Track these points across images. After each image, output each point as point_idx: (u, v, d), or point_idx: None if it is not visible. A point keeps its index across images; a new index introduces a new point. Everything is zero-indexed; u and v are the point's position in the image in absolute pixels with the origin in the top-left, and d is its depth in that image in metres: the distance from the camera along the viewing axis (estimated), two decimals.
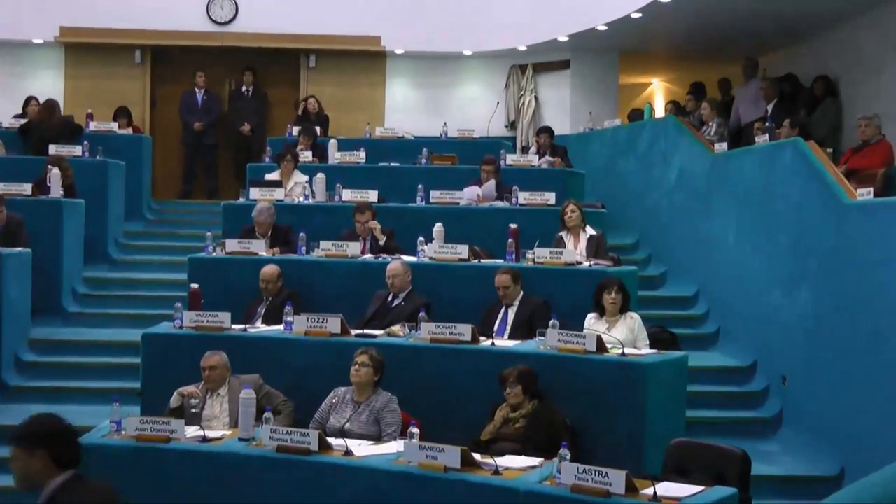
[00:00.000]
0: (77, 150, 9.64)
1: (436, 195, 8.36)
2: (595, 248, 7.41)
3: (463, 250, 7.09)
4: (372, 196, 8.34)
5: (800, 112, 9.47)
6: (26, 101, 11.19)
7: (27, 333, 7.83)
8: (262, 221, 7.85)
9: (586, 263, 7.00)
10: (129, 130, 11.37)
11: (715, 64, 12.17)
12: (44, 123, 10.32)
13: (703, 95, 11.03)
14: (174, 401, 5.59)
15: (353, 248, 7.33)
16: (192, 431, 5.03)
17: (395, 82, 13.22)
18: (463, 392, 5.77)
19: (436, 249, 7.16)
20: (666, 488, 4.10)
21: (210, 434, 5.02)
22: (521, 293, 6.66)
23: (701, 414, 6.89)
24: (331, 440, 4.86)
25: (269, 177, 9.11)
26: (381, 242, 7.60)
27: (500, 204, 8.36)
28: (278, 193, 8.45)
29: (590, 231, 7.56)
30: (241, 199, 8.60)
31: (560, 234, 7.58)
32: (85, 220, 8.96)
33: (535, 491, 4.23)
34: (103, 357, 7.82)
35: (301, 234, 7.48)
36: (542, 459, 4.61)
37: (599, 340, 5.53)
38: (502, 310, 6.64)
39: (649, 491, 4.02)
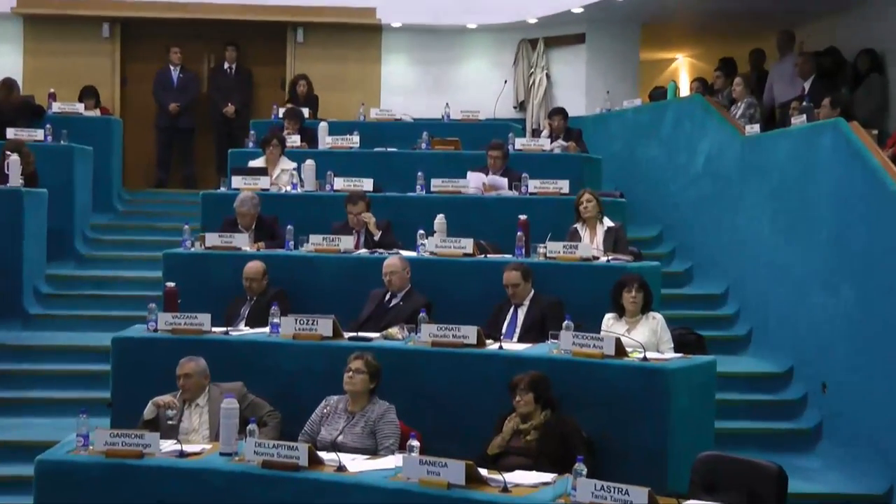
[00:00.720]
0: (39, 135, 9.65)
1: (437, 184, 8.36)
2: (613, 241, 7.41)
3: (467, 244, 7.09)
4: (366, 185, 8.35)
5: (841, 90, 9.46)
6: None
7: None
8: (246, 213, 7.86)
9: (604, 258, 7.00)
10: (97, 112, 11.39)
11: (746, 37, 12.15)
12: (1, 104, 10.32)
13: (733, 72, 11.02)
14: (148, 412, 5.59)
15: (345, 243, 7.33)
16: (169, 446, 5.03)
17: (392, 59, 13.22)
18: (468, 401, 5.76)
19: (437, 243, 7.16)
20: None
21: (188, 448, 5.02)
22: (532, 292, 6.66)
23: (731, 425, 6.90)
24: (322, 454, 4.86)
25: (253, 164, 9.12)
26: (376, 237, 7.60)
27: (508, 193, 8.37)
28: (263, 182, 8.46)
29: (607, 223, 7.56)
30: (222, 189, 8.61)
31: (575, 226, 7.58)
32: (48, 212, 8.97)
33: None
34: (69, 364, 7.83)
35: (288, 227, 7.49)
36: (555, 475, 4.61)
37: (618, 343, 5.52)
38: (511, 310, 6.64)
39: None
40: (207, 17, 12.64)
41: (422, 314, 6.17)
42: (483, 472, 4.53)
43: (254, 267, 7.08)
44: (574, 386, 5.50)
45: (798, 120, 8.13)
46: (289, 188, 8.62)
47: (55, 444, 5.12)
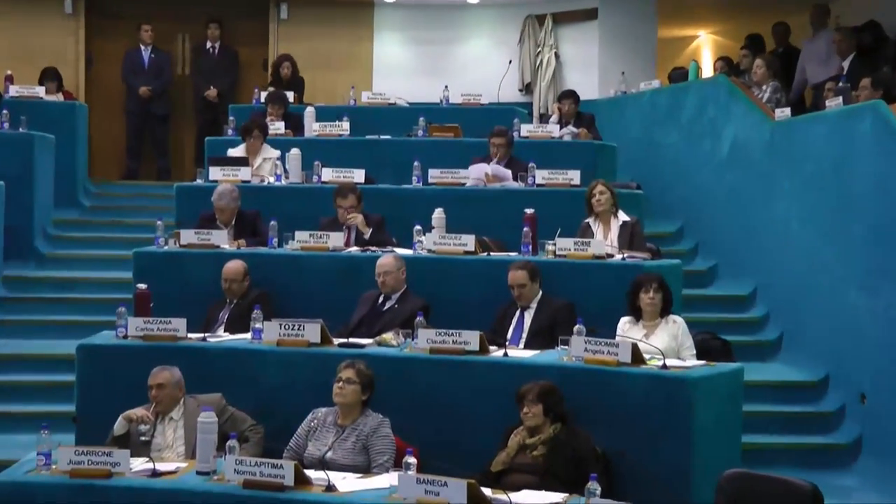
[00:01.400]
0: None
1: (435, 174, 8.36)
2: (629, 237, 7.41)
3: (469, 241, 7.10)
4: (357, 176, 8.35)
5: (883, 69, 9.44)
6: None
7: None
8: (225, 207, 7.86)
9: (618, 256, 7.00)
10: (60, 96, 11.38)
11: (775, 11, 12.14)
12: None
13: (761, 50, 11.00)
14: (119, 427, 5.60)
15: (335, 240, 7.33)
16: (140, 464, 5.03)
17: (385, 37, 13.22)
18: (470, 413, 5.78)
19: (436, 240, 7.17)
20: None
21: (162, 467, 5.02)
22: (540, 293, 6.67)
23: (760, 440, 6.90)
24: (309, 473, 4.86)
25: (233, 153, 9.12)
26: (366, 235, 7.60)
27: (513, 185, 8.37)
28: (244, 173, 8.47)
29: (623, 217, 7.56)
30: (199, 181, 8.61)
31: (587, 220, 7.58)
32: (5, 208, 8.96)
33: None
34: (28, 375, 7.83)
35: (272, 223, 7.49)
36: (566, 495, 4.62)
37: (635, 350, 5.53)
38: (517, 313, 6.65)
39: None
40: None
41: (419, 318, 6.18)
42: (486, 491, 4.53)
43: (234, 267, 7.09)
44: (586, 396, 5.51)
45: (833, 102, 8.13)
46: (272, 180, 8.62)
47: (13, 464, 5.11)
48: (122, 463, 4.89)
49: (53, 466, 4.94)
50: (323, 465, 5.28)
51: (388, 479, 4.85)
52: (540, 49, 12.96)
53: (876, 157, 7.27)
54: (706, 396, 5.43)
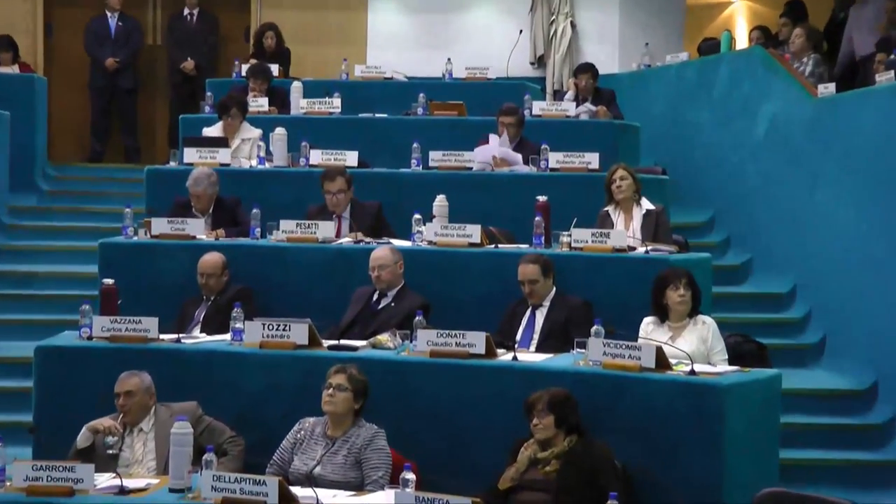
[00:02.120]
0: None
1: (437, 157, 8.36)
2: (653, 228, 7.41)
3: (474, 232, 7.10)
4: (350, 159, 8.35)
5: None
6: None
7: None
8: (201, 193, 7.86)
9: (642, 249, 7.00)
10: (15, 69, 11.37)
11: None
12: None
13: (802, 18, 10.98)
14: (82, 439, 5.60)
15: (324, 230, 7.33)
16: (106, 480, 5.02)
17: (380, 4, 13.20)
18: (474, 424, 5.78)
19: (437, 231, 7.17)
20: None
21: (130, 483, 5.02)
22: (554, 290, 6.67)
23: (800, 455, 6.89)
24: (295, 490, 4.87)
25: (209, 132, 9.12)
26: (355, 234, 7.59)
27: (523, 169, 8.37)
28: (222, 155, 8.46)
29: (646, 205, 7.56)
30: (172, 163, 8.60)
31: (606, 209, 7.58)
32: None
33: None
34: None
35: (254, 211, 7.49)
36: None
37: (660, 353, 5.53)
38: (528, 312, 6.65)
39: None
40: None
41: (418, 317, 6.18)
42: None
43: (211, 260, 7.09)
44: (605, 406, 5.51)
45: (885, 77, 8.11)
46: (254, 163, 8.61)
47: None
48: (86, 479, 4.88)
49: (8, 483, 4.92)
50: (311, 481, 5.29)
51: (383, 497, 4.86)
52: (554, 17, 12.94)
53: None
54: (739, 406, 5.43)
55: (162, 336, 6.25)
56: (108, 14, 12.26)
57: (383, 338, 6.18)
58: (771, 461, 5.73)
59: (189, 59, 12.16)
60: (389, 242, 7.21)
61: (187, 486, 4.90)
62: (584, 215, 7.31)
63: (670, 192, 8.77)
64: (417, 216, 7.29)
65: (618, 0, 12.65)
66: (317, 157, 8.42)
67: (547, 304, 6.63)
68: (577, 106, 9.96)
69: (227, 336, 6.27)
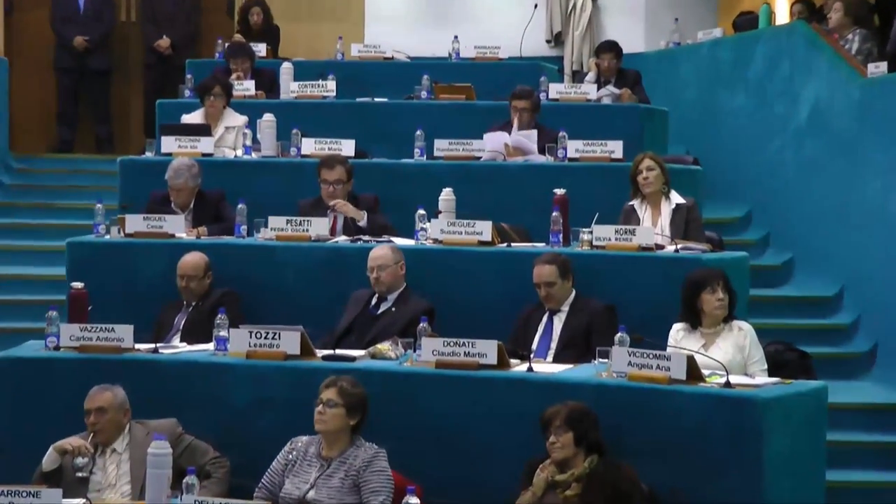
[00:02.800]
0: None
1: (443, 146, 8.37)
2: (684, 224, 7.40)
3: (484, 229, 7.10)
4: (346, 148, 8.35)
5: None
6: None
7: None
8: (182, 186, 7.86)
9: (671, 248, 6.99)
10: None
11: None
12: None
13: None
14: (49, 461, 5.60)
15: (318, 227, 7.33)
16: None
17: None
18: (485, 443, 5.78)
19: (443, 228, 7.17)
20: None
21: None
22: (573, 293, 6.66)
23: (848, 476, 6.88)
24: None
25: (189, 119, 9.12)
26: (361, 221, 7.59)
27: (539, 159, 8.37)
28: (204, 144, 8.46)
29: (676, 199, 7.55)
30: (148, 154, 8.61)
31: (631, 203, 7.57)
32: None
33: None
34: None
35: (239, 206, 7.49)
36: None
37: (692, 363, 5.52)
38: (544, 318, 6.65)
39: None
40: None
41: (422, 324, 6.17)
42: None
43: (192, 261, 7.09)
44: (630, 422, 5.50)
45: None
46: (239, 153, 8.61)
47: None
48: None
49: None
50: None
51: None
52: None
53: None
54: (780, 422, 5.41)
55: (137, 346, 6.25)
56: None
57: (383, 346, 6.18)
58: (816, 483, 5.72)
59: (164, 36, 12.14)
60: (390, 241, 7.20)
61: None
62: (606, 210, 7.31)
63: (702, 184, 8.76)
64: (421, 211, 7.29)
65: None
66: (309, 146, 8.41)
67: (565, 309, 6.62)
68: (599, 88, 9.94)
69: (210, 345, 6.26)
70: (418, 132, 8.39)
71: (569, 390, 5.59)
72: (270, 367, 6.02)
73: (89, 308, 6.59)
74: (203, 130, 8.71)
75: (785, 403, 5.51)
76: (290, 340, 6.03)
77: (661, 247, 6.98)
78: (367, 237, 7.36)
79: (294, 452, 5.59)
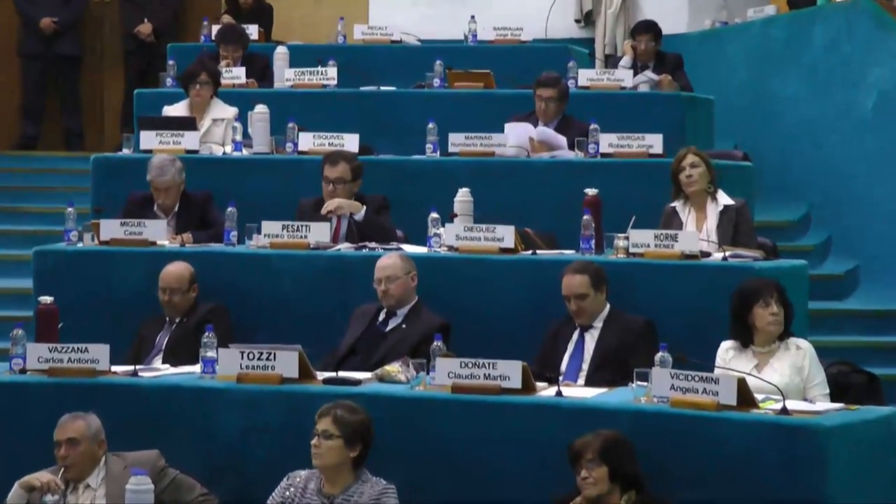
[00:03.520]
0: None
1: (458, 141, 8.37)
2: (733, 228, 7.39)
3: (506, 234, 7.10)
4: (349, 143, 8.35)
5: None
6: None
7: None
8: (168, 185, 7.86)
9: (718, 255, 6.99)
10: None
11: None
12: None
13: None
14: (15, 498, 5.59)
15: (318, 232, 7.33)
16: None
17: None
18: (507, 477, 5.76)
19: (459, 233, 7.17)
20: None
21: None
22: (607, 307, 6.66)
23: None
24: None
25: (171, 111, 9.13)
26: (357, 215, 7.58)
27: (568, 154, 8.37)
28: (189, 140, 8.48)
29: (723, 200, 7.54)
30: (126, 151, 8.63)
31: (673, 205, 7.57)
32: None
33: None
34: None
35: (229, 210, 7.49)
36: None
37: (743, 387, 5.51)
38: (575, 335, 6.65)
39: None
40: None
41: (436, 342, 6.16)
42: None
43: (176, 272, 7.09)
44: (672, 453, 5.49)
45: None
46: (228, 149, 8.62)
47: None
48: None
49: None
50: None
51: None
52: None
53: None
54: (845, 452, 5.39)
55: (114, 368, 6.25)
56: None
57: (392, 368, 6.17)
58: None
59: (146, 20, 12.17)
60: (400, 248, 7.21)
61: None
62: (644, 213, 7.30)
63: (754, 183, 8.76)
64: (434, 215, 7.29)
65: None
66: (307, 141, 8.43)
67: (598, 324, 6.62)
68: (635, 75, 9.95)
69: (196, 367, 6.27)
70: (430, 125, 8.39)
71: (602, 418, 5.58)
72: (264, 392, 6.02)
73: (59, 325, 6.60)
74: (187, 124, 8.72)
75: (850, 432, 5.48)
76: (286, 361, 6.03)
77: (707, 254, 6.98)
78: (373, 244, 7.36)
79: (292, 489, 5.59)
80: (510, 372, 5.82)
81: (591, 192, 7.21)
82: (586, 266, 6.67)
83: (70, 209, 7.58)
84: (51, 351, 6.20)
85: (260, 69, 10.05)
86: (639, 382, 5.80)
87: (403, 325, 6.81)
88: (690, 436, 5.49)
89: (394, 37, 10.79)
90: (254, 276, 7.29)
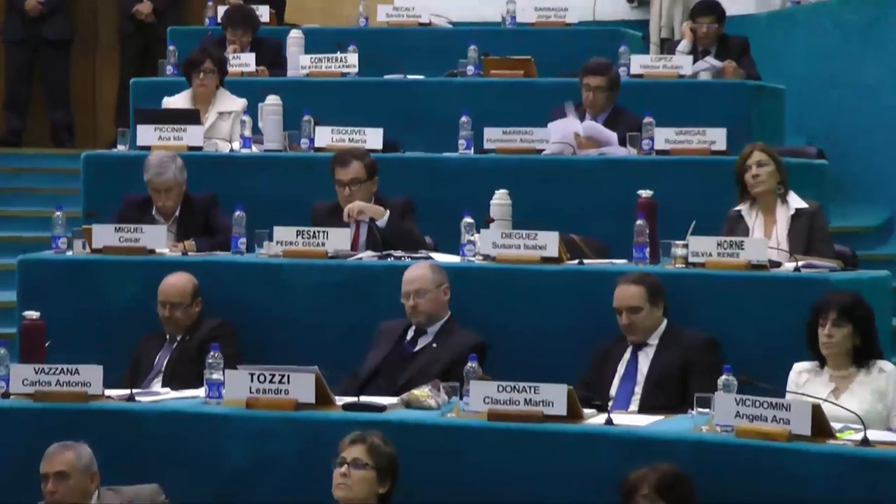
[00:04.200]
0: None
1: (494, 136, 8.37)
2: (806, 234, 7.37)
3: (549, 241, 7.10)
4: (372, 139, 8.38)
5: None
6: None
7: None
8: (170, 185, 7.88)
9: (790, 265, 6.98)
10: None
11: None
12: None
13: None
14: None
15: (336, 239, 7.35)
16: None
17: None
18: None
19: (496, 240, 7.18)
20: None
21: None
22: (664, 323, 6.66)
23: None
24: None
25: (172, 102, 9.16)
26: (380, 221, 7.59)
27: (619, 152, 8.37)
28: (192, 135, 8.51)
29: (795, 203, 7.53)
30: (121, 147, 8.66)
31: (738, 209, 7.55)
32: None
33: None
34: None
35: (237, 213, 7.51)
36: None
37: (818, 415, 5.50)
38: (627, 355, 6.65)
39: None
40: None
41: (470, 364, 6.18)
42: None
43: (177, 284, 7.12)
44: (737, 488, 5.49)
45: None
46: (236, 145, 8.65)
47: None
48: None
49: None
50: None
51: None
52: None
53: None
54: None
55: (108, 392, 6.28)
56: None
57: (421, 393, 6.18)
58: None
59: (145, 0, 12.22)
60: (429, 258, 7.22)
61: None
62: (705, 217, 7.30)
63: (829, 184, 8.75)
64: (468, 220, 7.30)
65: None
66: (325, 136, 8.45)
67: (654, 342, 6.62)
68: (695, 61, 9.94)
69: (200, 391, 6.29)
70: (463, 119, 8.39)
71: (658, 448, 5.59)
72: (277, 420, 6.05)
73: (47, 344, 6.63)
74: (190, 117, 8.74)
75: None
76: (301, 385, 6.05)
77: (777, 264, 6.97)
78: (399, 252, 7.36)
79: None
80: (554, 397, 5.83)
81: (645, 193, 7.21)
82: (642, 277, 6.68)
83: (58, 213, 7.61)
84: (37, 372, 6.22)
85: (271, 55, 10.07)
86: (699, 409, 5.81)
87: (434, 345, 6.82)
88: (758, 470, 5.49)
89: (422, 19, 10.80)
90: (264, 289, 7.30)
